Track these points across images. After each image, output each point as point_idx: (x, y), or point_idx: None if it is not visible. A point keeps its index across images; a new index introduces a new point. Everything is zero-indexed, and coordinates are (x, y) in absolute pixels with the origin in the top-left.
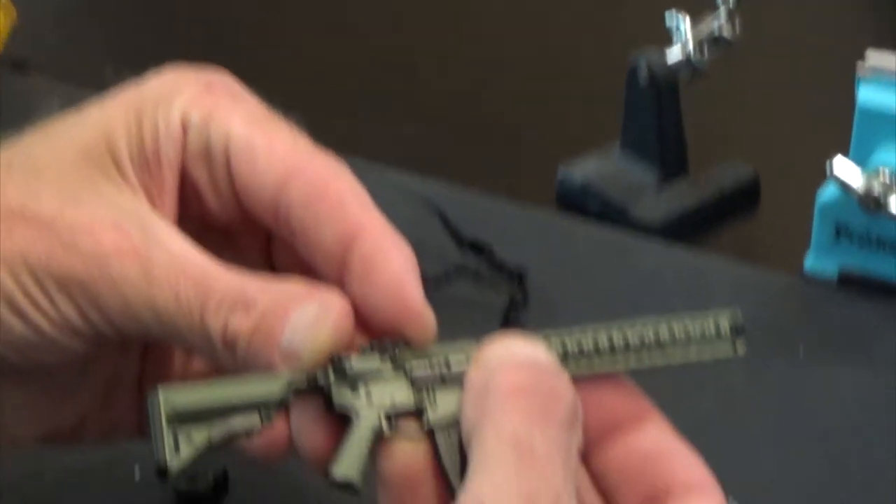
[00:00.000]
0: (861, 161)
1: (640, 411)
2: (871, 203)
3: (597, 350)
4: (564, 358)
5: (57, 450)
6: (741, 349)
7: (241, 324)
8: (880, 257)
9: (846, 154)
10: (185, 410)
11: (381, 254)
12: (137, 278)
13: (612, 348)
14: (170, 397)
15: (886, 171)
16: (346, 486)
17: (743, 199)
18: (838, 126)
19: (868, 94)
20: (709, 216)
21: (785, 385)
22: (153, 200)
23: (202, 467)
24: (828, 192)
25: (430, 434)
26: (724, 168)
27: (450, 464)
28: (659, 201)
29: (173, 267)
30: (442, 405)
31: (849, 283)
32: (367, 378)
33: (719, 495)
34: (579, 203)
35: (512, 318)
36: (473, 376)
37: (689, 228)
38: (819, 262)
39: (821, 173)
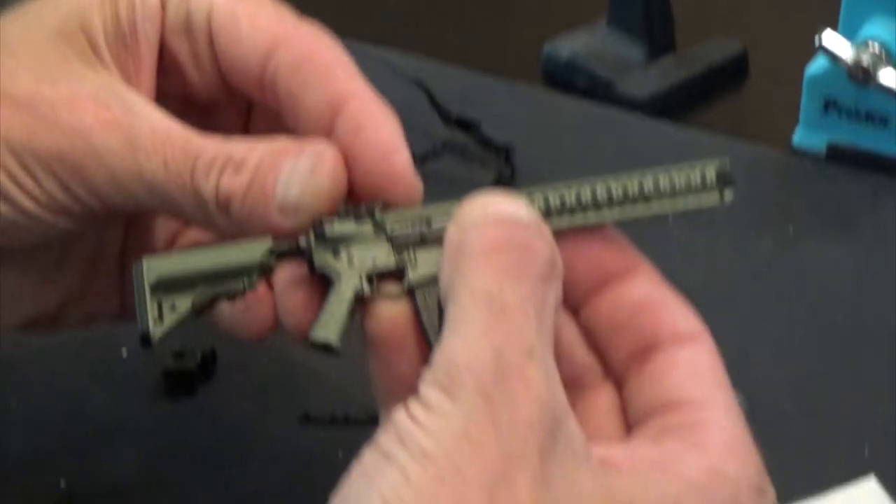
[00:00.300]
0: (850, 36)
1: (630, 263)
2: (861, 74)
3: (580, 204)
4: (547, 214)
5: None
6: (728, 197)
7: (233, 182)
8: (869, 131)
9: (835, 28)
10: (169, 278)
11: (369, 119)
12: (122, 149)
13: (596, 202)
14: (153, 265)
15: (876, 43)
16: (325, 348)
17: (731, 75)
18: (827, 0)
19: None
20: (696, 92)
21: (774, 259)
22: (130, 78)
23: (190, 346)
24: (816, 66)
25: (411, 293)
26: (712, 43)
27: (429, 323)
28: (646, 77)
29: (158, 135)
30: (423, 265)
31: (837, 157)
32: (348, 241)
33: (710, 343)
34: (566, 79)
35: None
36: (451, 234)
37: (676, 104)
38: (807, 136)
39: (809, 48)
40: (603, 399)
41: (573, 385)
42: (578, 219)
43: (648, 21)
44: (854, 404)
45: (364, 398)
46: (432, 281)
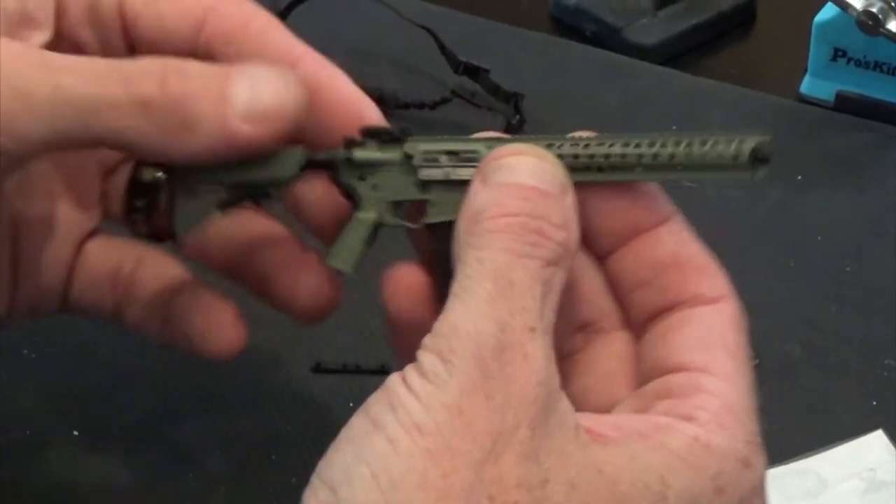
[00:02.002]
0: None
1: (661, 217)
2: (871, 22)
3: (609, 163)
4: (574, 169)
5: None
6: (762, 174)
7: (184, 84)
8: (877, 80)
9: None
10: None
11: (324, 77)
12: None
13: (624, 162)
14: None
15: None
16: (339, 273)
17: (739, 22)
18: None
19: None
20: (704, 39)
21: (782, 208)
22: None
23: None
24: (825, 14)
25: (429, 231)
26: None
27: (442, 268)
28: (654, 24)
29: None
30: (443, 206)
31: (845, 106)
32: (374, 168)
33: (732, 308)
34: (574, 25)
35: None
36: (473, 191)
37: (684, 51)
38: (815, 85)
39: None
40: (618, 345)
41: (589, 327)
42: (603, 177)
43: None
44: (862, 357)
45: (374, 349)
46: (450, 225)
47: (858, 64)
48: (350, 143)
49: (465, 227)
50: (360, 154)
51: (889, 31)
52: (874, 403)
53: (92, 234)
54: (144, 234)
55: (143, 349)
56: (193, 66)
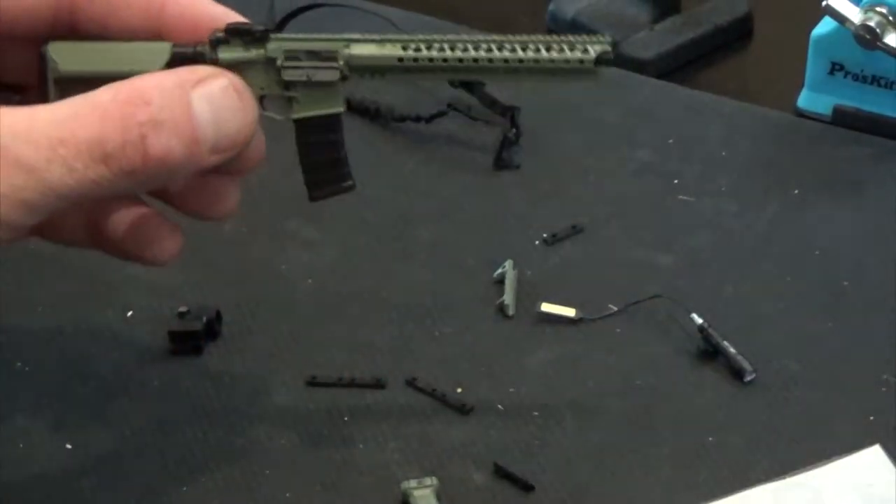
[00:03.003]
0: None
1: None
2: (868, 36)
3: (464, 66)
4: (431, 71)
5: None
6: (601, 78)
7: (160, 141)
8: (874, 94)
9: None
10: (75, 75)
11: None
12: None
13: (480, 66)
14: (61, 55)
15: (883, 6)
16: None
17: (736, 36)
18: None
19: None
20: (701, 53)
21: (780, 222)
22: None
23: (195, 306)
24: (822, 28)
25: (295, 125)
26: (718, 3)
27: (307, 159)
28: (651, 38)
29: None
30: (307, 103)
31: (843, 120)
32: (240, 67)
33: None
34: None
35: (505, 155)
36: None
37: (681, 65)
38: (813, 99)
39: (815, 9)
40: None
41: None
42: (457, 75)
43: None
44: (860, 372)
45: (368, 361)
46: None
47: (856, 78)
48: (216, 42)
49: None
50: (225, 55)
51: (887, 45)
52: (872, 419)
53: None
54: None
55: (137, 361)
56: (157, 101)
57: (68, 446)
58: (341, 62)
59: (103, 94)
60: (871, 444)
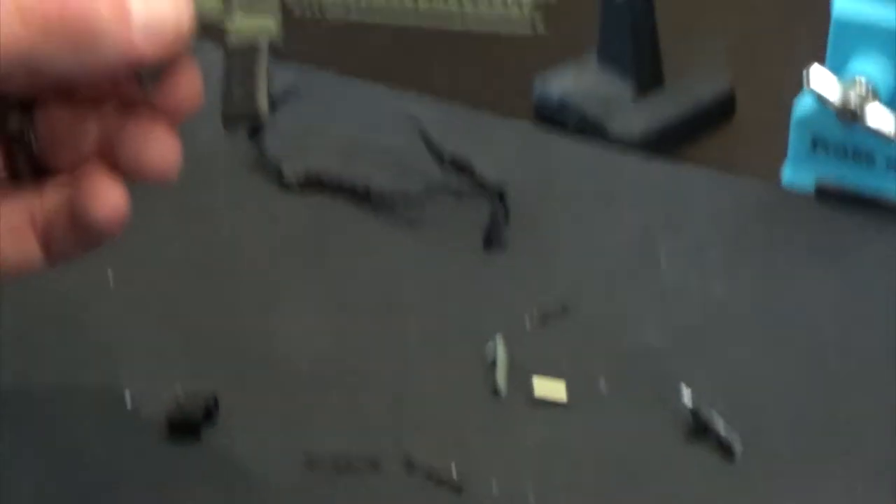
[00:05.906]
0: (837, 70)
1: None
2: (848, 114)
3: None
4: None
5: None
6: (540, 28)
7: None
8: (857, 169)
9: (822, 62)
10: None
11: None
12: None
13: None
14: None
15: (863, 80)
16: None
17: (719, 111)
18: (815, 35)
19: (843, 3)
20: (686, 128)
21: (764, 296)
22: None
23: (192, 392)
24: (804, 104)
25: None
26: (700, 79)
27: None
28: (636, 115)
29: None
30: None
31: (826, 195)
32: None
33: None
34: (557, 117)
35: (493, 235)
36: None
37: (666, 141)
38: (796, 174)
39: (797, 83)
40: None
41: None
42: (395, 20)
43: (637, 57)
44: (846, 444)
45: (366, 437)
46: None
47: (838, 152)
48: None
49: None
50: None
51: (867, 125)
52: (860, 489)
53: None
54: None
55: (134, 448)
56: None
57: None
58: None
59: None
60: None
